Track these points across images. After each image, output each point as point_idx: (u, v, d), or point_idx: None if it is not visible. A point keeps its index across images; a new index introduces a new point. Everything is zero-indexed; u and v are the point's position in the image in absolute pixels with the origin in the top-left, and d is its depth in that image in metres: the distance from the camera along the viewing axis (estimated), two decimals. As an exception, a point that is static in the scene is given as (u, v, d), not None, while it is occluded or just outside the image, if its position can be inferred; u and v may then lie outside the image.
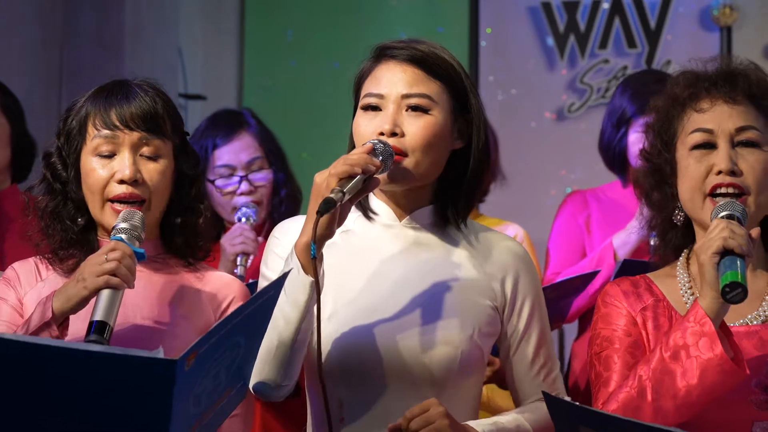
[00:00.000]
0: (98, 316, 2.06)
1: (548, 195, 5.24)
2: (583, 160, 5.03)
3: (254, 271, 3.20)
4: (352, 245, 2.28)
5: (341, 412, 2.19)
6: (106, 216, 2.25)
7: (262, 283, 2.28)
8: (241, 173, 3.41)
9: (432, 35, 4.00)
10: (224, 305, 2.31)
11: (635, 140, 3.43)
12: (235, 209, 3.40)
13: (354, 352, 2.19)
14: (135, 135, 2.26)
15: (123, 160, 2.26)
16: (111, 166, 2.26)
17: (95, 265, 2.10)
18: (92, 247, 2.26)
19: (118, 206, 2.24)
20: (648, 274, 2.25)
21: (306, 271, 2.09)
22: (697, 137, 2.19)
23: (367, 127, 2.22)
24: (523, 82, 5.53)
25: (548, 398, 1.87)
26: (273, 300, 1.97)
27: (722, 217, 2.07)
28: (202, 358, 1.81)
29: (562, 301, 3.32)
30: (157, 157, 2.28)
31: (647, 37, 5.45)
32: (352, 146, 2.25)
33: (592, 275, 3.24)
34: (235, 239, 3.27)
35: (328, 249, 2.17)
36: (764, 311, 2.16)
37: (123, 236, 2.15)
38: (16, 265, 2.35)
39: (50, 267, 2.31)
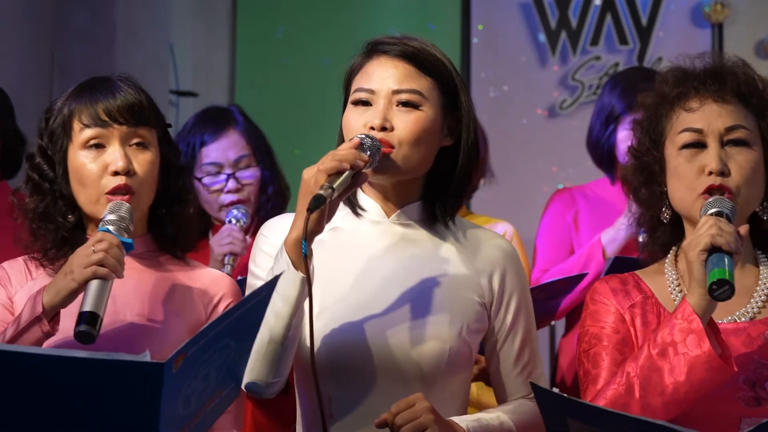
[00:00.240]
0: (87, 307, 2.06)
1: (540, 192, 5.24)
2: (574, 157, 5.03)
3: (241, 269, 3.20)
4: (341, 242, 2.28)
5: (330, 409, 2.19)
6: (101, 208, 2.25)
7: (251, 281, 2.28)
8: (228, 171, 3.41)
9: (423, 32, 4.01)
10: (215, 301, 2.32)
11: (624, 138, 3.44)
12: (222, 207, 3.40)
13: (343, 349, 2.19)
14: (123, 128, 2.27)
15: (114, 152, 2.26)
16: (102, 159, 2.27)
17: (83, 257, 2.10)
18: (81, 244, 2.24)
19: (114, 198, 2.24)
20: (636, 272, 2.26)
21: (296, 267, 2.09)
22: (687, 137, 2.19)
23: (357, 122, 2.22)
24: (515, 79, 5.53)
25: (536, 390, 1.87)
26: (264, 302, 1.97)
27: (711, 214, 2.07)
28: (191, 360, 1.81)
29: (551, 301, 3.32)
30: (146, 147, 2.29)
31: (639, 33, 5.45)
32: (342, 141, 2.25)
33: (580, 277, 3.25)
34: (223, 240, 3.28)
35: (317, 246, 2.17)
36: (752, 308, 2.17)
37: (110, 227, 2.15)
38: (5, 264, 2.34)
39: (40, 267, 2.31)
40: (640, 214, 2.27)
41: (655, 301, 2.19)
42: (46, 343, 2.14)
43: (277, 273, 2.10)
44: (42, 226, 2.30)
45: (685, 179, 2.16)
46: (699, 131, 2.18)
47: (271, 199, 3.45)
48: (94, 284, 2.09)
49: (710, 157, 2.15)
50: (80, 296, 2.11)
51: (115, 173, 2.25)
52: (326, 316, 2.20)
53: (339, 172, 2.09)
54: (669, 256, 2.25)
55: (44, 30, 4.79)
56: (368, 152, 2.15)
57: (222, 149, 3.43)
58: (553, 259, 3.61)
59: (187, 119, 3.65)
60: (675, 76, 2.23)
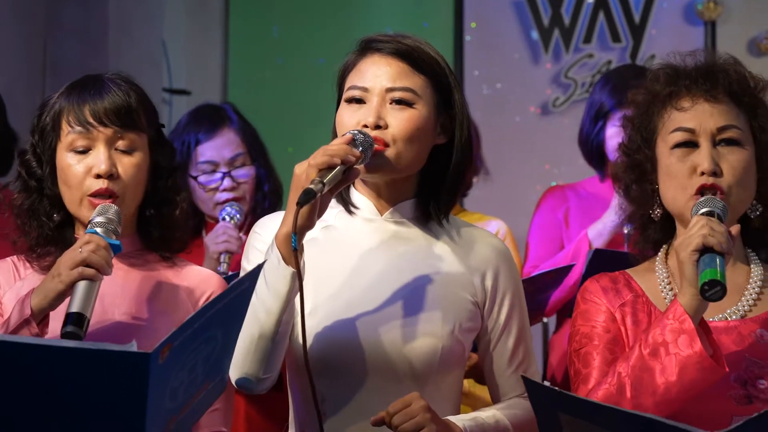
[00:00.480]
0: (74, 308, 2.06)
1: (533, 190, 5.23)
2: (567, 154, 5.03)
3: (236, 267, 3.20)
4: (333, 240, 2.28)
5: (322, 407, 2.19)
6: (84, 211, 2.25)
7: (243, 278, 2.28)
8: (224, 169, 3.41)
9: (417, 30, 4.00)
10: (203, 300, 2.31)
11: (613, 134, 3.47)
12: (217, 205, 3.40)
13: (335, 347, 2.19)
14: (109, 130, 2.26)
15: (98, 155, 2.25)
16: (87, 161, 2.26)
17: (69, 259, 2.10)
18: (69, 243, 2.24)
19: (96, 201, 2.24)
20: (627, 270, 2.26)
21: (287, 262, 2.09)
22: (679, 136, 2.18)
23: (350, 120, 2.22)
24: (508, 77, 5.54)
25: (528, 384, 1.87)
26: (248, 292, 1.97)
27: (702, 214, 2.07)
28: (177, 351, 1.81)
29: (540, 295, 3.33)
30: (132, 150, 2.28)
31: (632, 31, 5.46)
32: (335, 138, 2.25)
33: (567, 269, 3.25)
34: (218, 237, 3.28)
35: (310, 244, 2.17)
36: (743, 306, 2.17)
37: (98, 229, 2.15)
38: None
39: (28, 265, 2.31)
40: (631, 212, 2.27)
41: (646, 299, 2.19)
42: None
43: (267, 269, 2.10)
44: (27, 223, 2.29)
45: (677, 179, 2.16)
46: (691, 131, 2.18)
47: (267, 196, 3.46)
48: (81, 285, 2.08)
49: (702, 157, 2.15)
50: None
51: (98, 176, 2.24)
52: (318, 313, 2.20)
53: (330, 167, 2.08)
54: (660, 254, 2.25)
55: (36, 27, 4.78)
56: (360, 148, 2.15)
57: (217, 148, 3.43)
58: (545, 255, 3.62)
59: (180, 117, 3.65)
60: (666, 74, 2.23)
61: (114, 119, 2.26)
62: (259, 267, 1.99)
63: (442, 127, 2.28)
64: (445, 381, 2.24)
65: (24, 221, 2.30)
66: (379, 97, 2.22)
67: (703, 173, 2.14)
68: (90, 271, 2.08)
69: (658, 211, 2.21)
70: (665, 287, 2.20)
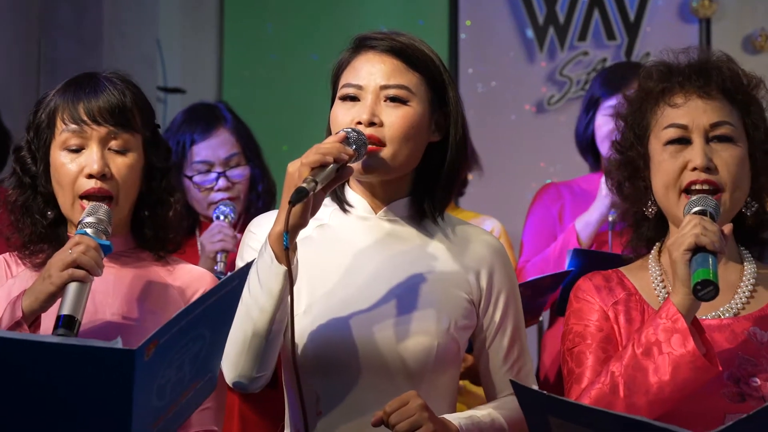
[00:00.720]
0: (65, 310, 2.05)
1: (528, 187, 5.24)
2: (562, 152, 5.03)
3: (233, 266, 3.20)
4: (328, 238, 2.28)
5: (318, 406, 2.19)
6: (76, 211, 2.24)
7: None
8: (218, 169, 3.42)
9: (412, 28, 4.00)
10: (195, 299, 2.30)
11: (602, 123, 3.52)
12: (212, 205, 3.40)
13: (330, 345, 2.18)
14: (103, 129, 2.25)
15: (91, 155, 2.24)
16: (80, 160, 2.25)
17: (60, 261, 2.09)
18: (62, 241, 2.24)
19: (86, 202, 2.23)
20: (620, 268, 2.25)
21: (280, 261, 2.09)
22: (672, 133, 2.18)
23: (344, 117, 2.22)
24: (503, 75, 5.53)
25: (517, 387, 1.86)
26: (238, 290, 1.96)
27: (695, 213, 2.07)
28: (164, 348, 1.80)
29: (538, 299, 3.33)
30: (126, 150, 2.27)
31: (626, 29, 5.46)
32: (329, 136, 2.25)
33: (564, 275, 3.26)
34: (214, 237, 3.29)
35: (304, 243, 2.17)
36: (736, 304, 2.16)
37: (88, 230, 2.14)
38: None
39: (20, 263, 2.30)
40: (624, 210, 2.27)
41: (639, 297, 2.19)
42: None
43: (261, 267, 2.09)
44: (21, 220, 2.29)
45: (669, 175, 2.16)
46: (684, 127, 2.18)
47: (261, 196, 3.46)
48: (72, 287, 2.07)
49: (695, 153, 2.15)
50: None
51: (90, 176, 2.23)
52: (313, 312, 2.20)
53: (323, 166, 2.08)
54: (653, 252, 2.24)
55: (30, 26, 4.77)
56: (354, 146, 2.14)
57: (212, 148, 3.43)
58: (538, 251, 3.64)
59: (175, 115, 3.65)
60: (659, 71, 2.23)
61: (108, 118, 2.25)
62: (248, 265, 1.98)
63: (436, 125, 2.28)
64: (441, 379, 2.24)
65: (17, 218, 2.29)
66: (373, 94, 2.22)
67: (695, 169, 2.14)
68: (80, 272, 2.07)
69: (652, 209, 2.21)
70: (658, 285, 2.20)
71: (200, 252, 3.34)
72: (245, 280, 2.00)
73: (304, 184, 2.05)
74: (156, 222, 2.32)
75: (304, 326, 2.19)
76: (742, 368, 2.09)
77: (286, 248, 2.06)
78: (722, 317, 2.15)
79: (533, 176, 5.32)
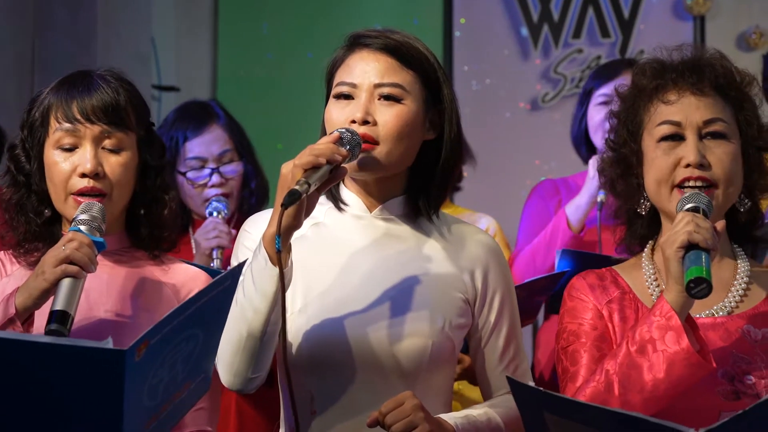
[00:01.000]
0: (58, 306, 2.04)
1: (523, 185, 5.24)
2: (557, 150, 5.04)
3: (228, 262, 3.20)
4: (323, 238, 2.27)
5: (312, 405, 2.19)
6: (69, 209, 2.24)
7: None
8: (212, 165, 3.42)
9: (407, 26, 4.00)
10: (186, 300, 2.30)
11: (594, 112, 3.54)
12: (206, 201, 3.40)
13: (325, 345, 2.18)
14: (96, 128, 2.24)
15: (84, 154, 2.24)
16: (73, 159, 2.24)
17: (53, 257, 2.08)
18: (56, 239, 2.23)
19: (80, 199, 2.22)
20: (614, 267, 2.25)
21: (273, 263, 2.08)
22: (665, 129, 2.18)
23: (339, 116, 2.21)
24: (498, 72, 5.54)
25: (513, 384, 1.87)
26: (230, 290, 1.96)
27: (687, 210, 2.07)
28: (155, 349, 1.80)
29: (534, 298, 3.34)
30: (120, 149, 2.26)
31: (621, 26, 5.46)
32: (324, 135, 2.24)
33: (559, 276, 3.26)
34: (209, 233, 3.28)
35: (299, 242, 2.17)
36: (730, 302, 2.16)
37: (82, 227, 2.13)
38: None
39: (14, 261, 2.30)
40: (617, 207, 2.27)
41: (633, 296, 2.19)
42: None
43: (255, 268, 2.09)
44: (15, 218, 2.28)
45: (662, 171, 2.16)
46: (677, 124, 2.18)
47: (254, 193, 3.47)
48: (65, 283, 2.07)
49: (688, 150, 2.15)
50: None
51: (83, 175, 2.23)
52: (308, 311, 2.20)
53: (316, 167, 2.07)
54: (646, 250, 2.24)
55: (25, 25, 4.77)
56: (347, 146, 2.14)
57: (205, 144, 3.44)
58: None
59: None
60: (653, 68, 2.23)
61: (101, 117, 2.24)
62: (241, 265, 1.98)
63: (431, 123, 2.27)
64: (436, 378, 2.23)
65: (12, 216, 2.29)
66: (367, 92, 2.21)
67: (688, 165, 2.14)
68: (73, 268, 2.07)
69: (645, 206, 2.21)
70: (652, 283, 2.20)
71: (195, 249, 3.34)
72: (237, 281, 1.99)
73: (297, 187, 2.04)
74: (151, 220, 2.32)
75: (299, 325, 2.19)
76: (737, 366, 2.10)
77: (278, 251, 2.05)
78: (716, 316, 2.15)
79: (528, 174, 5.33)
